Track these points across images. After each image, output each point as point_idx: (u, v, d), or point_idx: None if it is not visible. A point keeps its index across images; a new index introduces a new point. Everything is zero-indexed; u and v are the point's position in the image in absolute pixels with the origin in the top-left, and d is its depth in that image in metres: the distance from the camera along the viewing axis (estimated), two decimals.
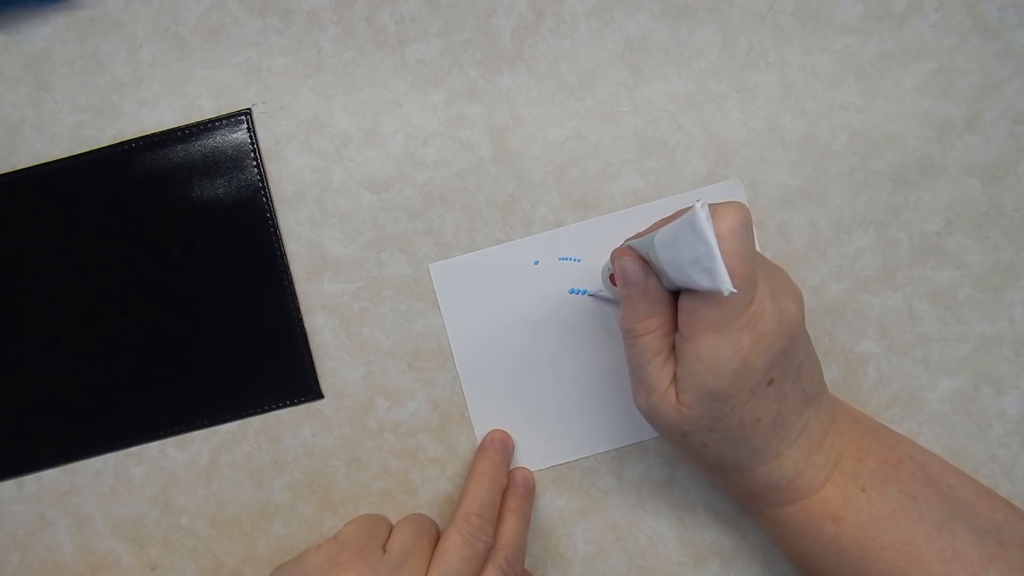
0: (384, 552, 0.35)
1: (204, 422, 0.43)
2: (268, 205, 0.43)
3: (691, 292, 0.32)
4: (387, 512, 0.42)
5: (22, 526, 0.43)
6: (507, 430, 0.42)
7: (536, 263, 0.42)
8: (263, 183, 0.43)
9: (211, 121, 0.43)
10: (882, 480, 0.35)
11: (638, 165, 0.42)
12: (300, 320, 0.42)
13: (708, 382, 0.32)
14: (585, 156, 0.43)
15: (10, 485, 0.43)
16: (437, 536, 0.37)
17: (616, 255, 0.35)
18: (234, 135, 0.43)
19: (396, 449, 0.43)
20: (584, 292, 0.42)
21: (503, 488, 0.40)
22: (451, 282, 0.42)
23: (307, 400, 0.43)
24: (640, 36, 0.43)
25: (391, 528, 0.37)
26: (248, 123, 0.43)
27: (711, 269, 0.28)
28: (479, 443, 0.42)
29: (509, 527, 0.39)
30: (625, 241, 0.37)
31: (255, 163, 0.43)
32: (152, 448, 0.43)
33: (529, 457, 0.42)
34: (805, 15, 0.42)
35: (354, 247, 0.43)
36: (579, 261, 0.42)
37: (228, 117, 0.43)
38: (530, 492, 0.41)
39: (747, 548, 0.42)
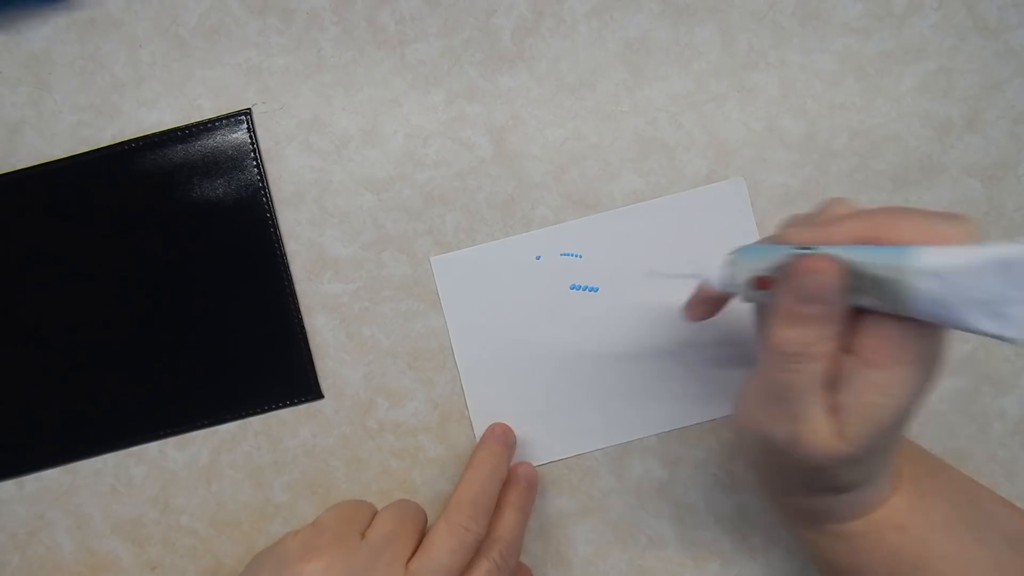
0: (363, 539, 0.34)
1: (204, 422, 0.43)
2: (268, 205, 0.43)
3: (894, 318, 0.28)
4: None
5: (22, 526, 0.43)
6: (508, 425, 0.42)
7: (538, 258, 0.42)
8: (263, 183, 0.43)
9: (211, 121, 0.43)
10: (931, 489, 0.34)
11: (638, 165, 0.42)
12: (300, 320, 0.42)
13: (885, 417, 0.29)
14: (585, 156, 0.43)
15: (10, 485, 0.43)
16: (424, 524, 0.36)
17: (810, 266, 0.28)
18: (234, 135, 0.43)
19: (396, 449, 0.43)
20: (587, 288, 0.42)
21: (502, 480, 0.39)
22: (452, 276, 0.42)
23: (307, 400, 0.43)
24: (640, 36, 0.43)
25: (374, 514, 0.36)
26: (248, 123, 0.43)
27: (1008, 315, 0.26)
28: (479, 438, 0.42)
29: (507, 520, 0.37)
30: (799, 247, 0.30)
31: (255, 163, 0.43)
32: (152, 448, 0.43)
33: (529, 453, 0.42)
34: (805, 15, 0.42)
35: (354, 247, 0.43)
36: (580, 257, 0.42)
37: (228, 117, 0.43)
38: (532, 487, 0.41)
39: (747, 548, 0.42)
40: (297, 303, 0.42)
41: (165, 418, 0.43)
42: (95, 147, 0.43)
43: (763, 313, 0.34)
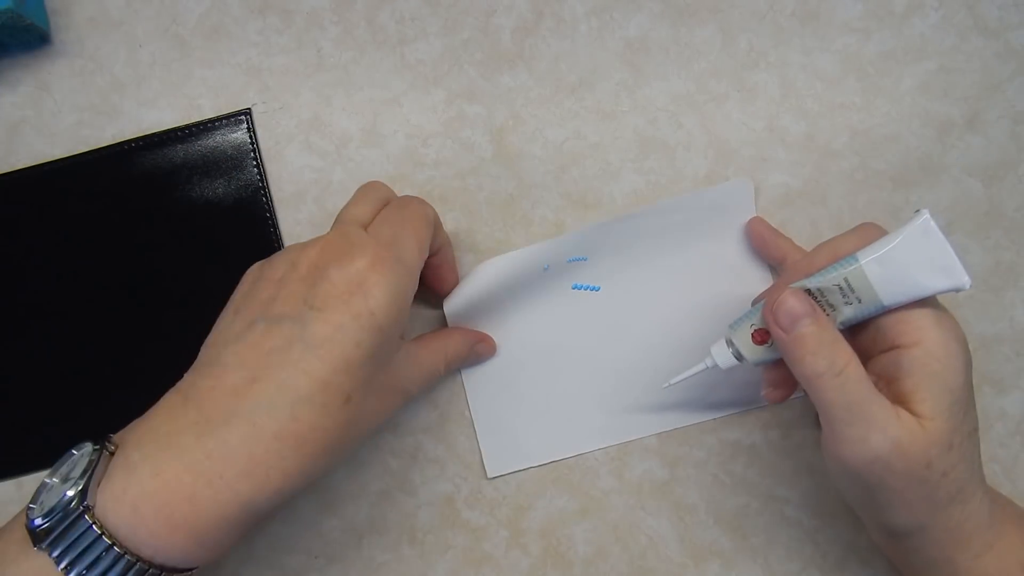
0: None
1: None
2: (268, 205, 0.43)
3: (898, 309, 0.32)
4: (386, 512, 0.42)
5: None
6: (509, 426, 0.42)
7: (546, 268, 0.42)
8: (263, 183, 0.43)
9: (211, 121, 0.43)
10: None
11: (638, 165, 0.42)
12: None
13: (948, 379, 0.31)
14: (585, 156, 0.43)
15: (9, 485, 0.43)
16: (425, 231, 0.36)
17: (776, 301, 0.32)
18: (234, 135, 0.43)
19: (396, 449, 0.43)
20: (589, 288, 0.42)
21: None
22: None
23: None
24: (640, 36, 0.43)
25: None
26: (248, 123, 0.43)
27: (950, 267, 0.31)
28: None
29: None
30: (767, 294, 0.37)
31: (255, 163, 0.43)
32: None
33: (530, 452, 0.42)
34: (805, 15, 0.42)
35: None
36: (586, 260, 0.42)
37: (228, 117, 0.43)
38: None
39: (747, 548, 0.42)
40: None
41: None
42: (95, 147, 0.43)
43: (776, 368, 0.36)
